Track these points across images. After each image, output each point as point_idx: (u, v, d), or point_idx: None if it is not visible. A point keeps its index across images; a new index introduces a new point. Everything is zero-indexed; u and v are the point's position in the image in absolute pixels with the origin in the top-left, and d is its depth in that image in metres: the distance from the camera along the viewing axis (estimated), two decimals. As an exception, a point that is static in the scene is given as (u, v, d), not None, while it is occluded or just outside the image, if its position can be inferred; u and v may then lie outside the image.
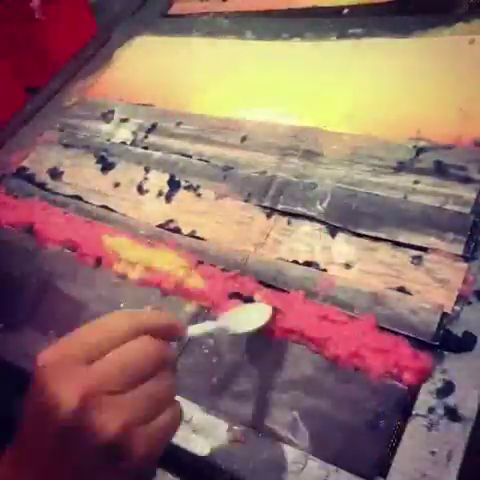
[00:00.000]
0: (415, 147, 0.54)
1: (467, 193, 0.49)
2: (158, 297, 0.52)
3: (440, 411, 0.38)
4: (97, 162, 0.68)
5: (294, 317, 0.46)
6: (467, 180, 0.49)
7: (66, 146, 0.72)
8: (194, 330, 0.37)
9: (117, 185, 0.64)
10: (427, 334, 0.42)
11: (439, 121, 0.55)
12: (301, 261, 0.50)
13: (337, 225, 0.51)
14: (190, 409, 0.43)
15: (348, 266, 0.48)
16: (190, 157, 0.63)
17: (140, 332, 0.30)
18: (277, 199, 0.55)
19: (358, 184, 0.53)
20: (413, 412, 0.39)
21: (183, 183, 0.61)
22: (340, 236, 0.50)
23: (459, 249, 0.46)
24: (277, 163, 0.58)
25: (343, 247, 0.50)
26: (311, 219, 0.52)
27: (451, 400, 0.39)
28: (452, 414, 0.38)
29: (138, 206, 0.61)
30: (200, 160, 0.62)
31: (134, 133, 0.70)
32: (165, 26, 0.85)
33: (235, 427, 0.42)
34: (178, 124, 0.68)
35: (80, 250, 0.58)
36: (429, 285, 0.45)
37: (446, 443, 0.37)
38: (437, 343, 0.41)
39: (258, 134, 0.62)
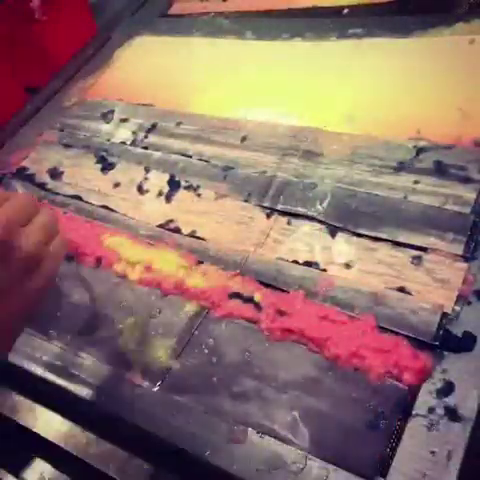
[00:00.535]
0: (415, 147, 0.54)
1: (467, 193, 0.49)
2: (158, 297, 0.52)
3: (440, 411, 0.38)
4: (97, 162, 0.68)
5: (294, 317, 0.46)
6: (467, 180, 0.49)
7: (66, 146, 0.72)
8: None
9: (117, 185, 0.64)
10: (427, 334, 0.42)
11: (439, 121, 0.55)
12: (301, 261, 0.50)
13: (337, 225, 0.51)
14: (190, 409, 0.44)
15: (348, 266, 0.48)
16: (190, 157, 0.63)
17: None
18: (277, 199, 0.55)
19: (358, 184, 0.53)
20: (413, 412, 0.39)
21: (183, 183, 0.61)
22: (340, 236, 0.50)
23: (459, 249, 0.46)
24: (277, 163, 0.58)
25: (343, 247, 0.50)
26: (311, 219, 0.52)
27: (451, 400, 0.39)
28: (452, 414, 0.38)
29: (138, 206, 0.61)
30: (200, 160, 0.62)
31: (134, 133, 0.70)
32: (165, 26, 0.85)
33: (235, 427, 0.42)
34: (178, 124, 0.68)
35: (80, 250, 0.58)
36: (429, 285, 0.45)
37: (446, 443, 0.37)
38: (437, 343, 0.41)
39: (258, 134, 0.62)
